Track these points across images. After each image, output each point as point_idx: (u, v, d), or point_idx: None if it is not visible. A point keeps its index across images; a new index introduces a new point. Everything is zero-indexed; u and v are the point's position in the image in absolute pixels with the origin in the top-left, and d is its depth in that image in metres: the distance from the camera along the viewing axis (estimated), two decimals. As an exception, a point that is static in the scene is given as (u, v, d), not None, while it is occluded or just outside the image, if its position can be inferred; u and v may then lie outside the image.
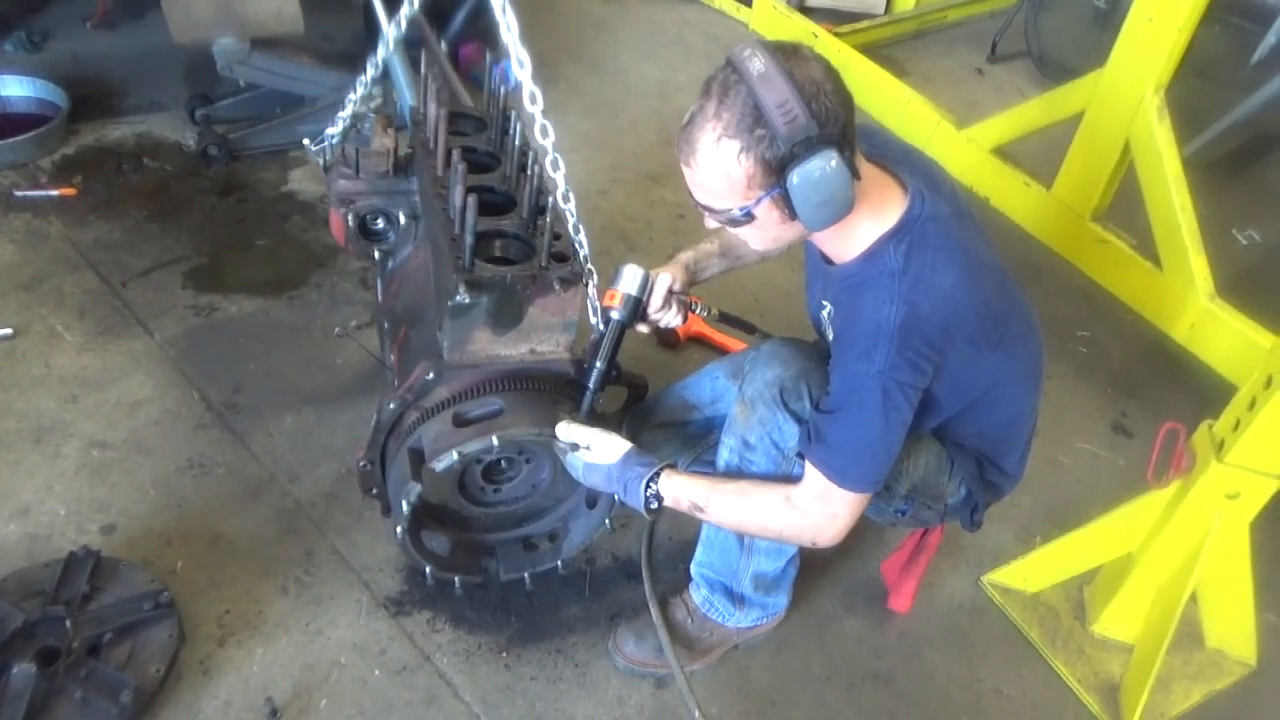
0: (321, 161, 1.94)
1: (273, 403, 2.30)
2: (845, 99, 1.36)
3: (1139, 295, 3.06)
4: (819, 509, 1.52)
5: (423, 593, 1.96)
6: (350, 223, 1.93)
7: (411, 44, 2.63)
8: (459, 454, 1.62)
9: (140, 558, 1.90)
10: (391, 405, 1.74)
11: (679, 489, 1.58)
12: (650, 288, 1.76)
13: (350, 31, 3.29)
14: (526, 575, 1.94)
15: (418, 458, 1.67)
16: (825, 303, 1.62)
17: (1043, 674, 2.06)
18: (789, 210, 1.39)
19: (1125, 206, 3.17)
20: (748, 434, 1.62)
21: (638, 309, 1.75)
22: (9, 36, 3.13)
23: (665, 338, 2.71)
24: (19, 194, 2.79)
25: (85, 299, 2.49)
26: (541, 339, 1.73)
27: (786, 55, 1.33)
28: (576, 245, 1.68)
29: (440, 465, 1.63)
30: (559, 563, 1.95)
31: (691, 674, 1.86)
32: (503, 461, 1.82)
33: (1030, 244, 3.37)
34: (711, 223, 1.52)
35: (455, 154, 1.66)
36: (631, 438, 1.87)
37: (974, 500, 1.79)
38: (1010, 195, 3.45)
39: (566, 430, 1.63)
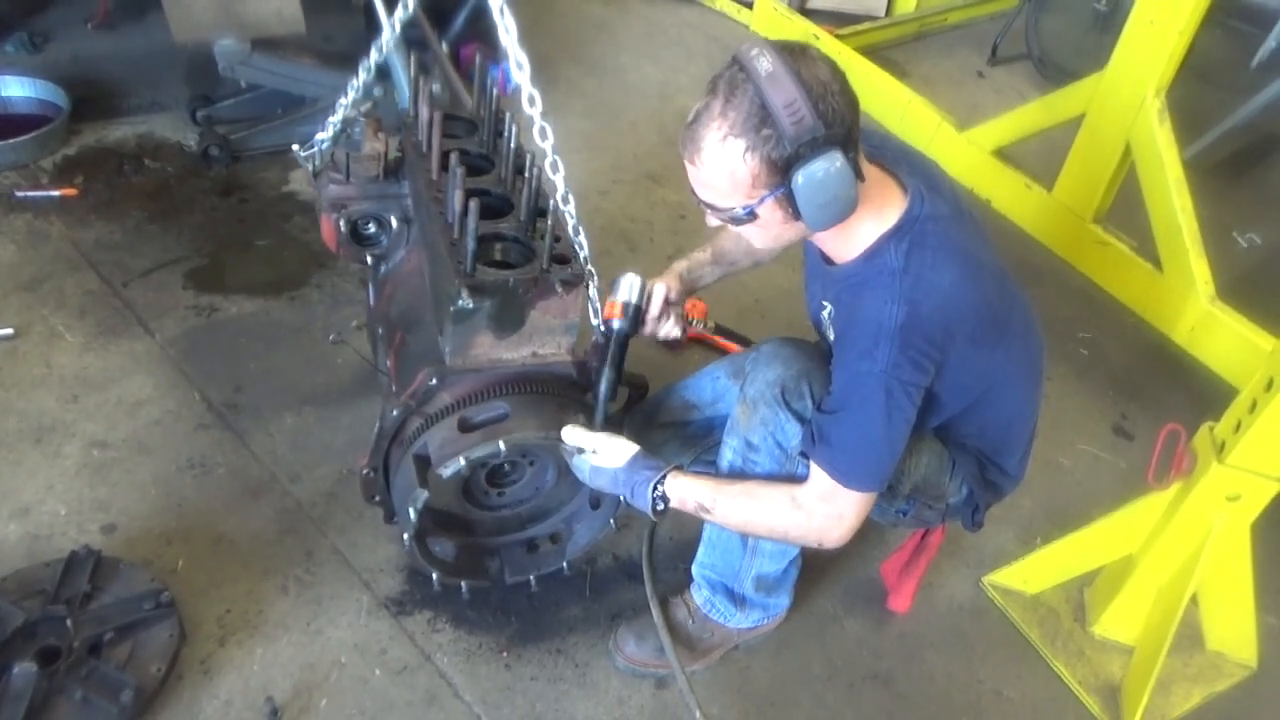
0: (311, 167, 1.92)
1: (273, 403, 2.30)
2: (851, 100, 1.37)
3: (1140, 297, 3.06)
4: (824, 509, 1.52)
5: (423, 592, 1.96)
6: (342, 228, 1.92)
7: (415, 45, 2.63)
8: (466, 459, 1.61)
9: (141, 557, 1.90)
10: (395, 412, 1.73)
11: (686, 490, 1.58)
12: (648, 294, 1.76)
13: (351, 32, 3.29)
14: (532, 578, 1.94)
15: (424, 464, 1.66)
16: (825, 303, 1.62)
17: (1043, 675, 2.06)
18: (792, 210, 1.39)
19: (1126, 209, 3.17)
20: (750, 434, 1.62)
21: (639, 316, 1.76)
22: (10, 37, 3.13)
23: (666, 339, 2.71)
24: (20, 194, 2.79)
25: (86, 299, 2.50)
26: (543, 342, 1.73)
27: (794, 55, 1.33)
28: (576, 247, 1.68)
29: (448, 471, 1.62)
30: (564, 564, 1.95)
31: (692, 674, 1.86)
32: (506, 465, 1.82)
33: (1031, 246, 3.37)
34: (713, 221, 1.52)
35: (453, 157, 1.66)
36: (633, 437, 1.87)
37: (975, 500, 1.79)
38: (1011, 197, 3.45)
39: (572, 434, 1.64)
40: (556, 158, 1.59)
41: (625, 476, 1.60)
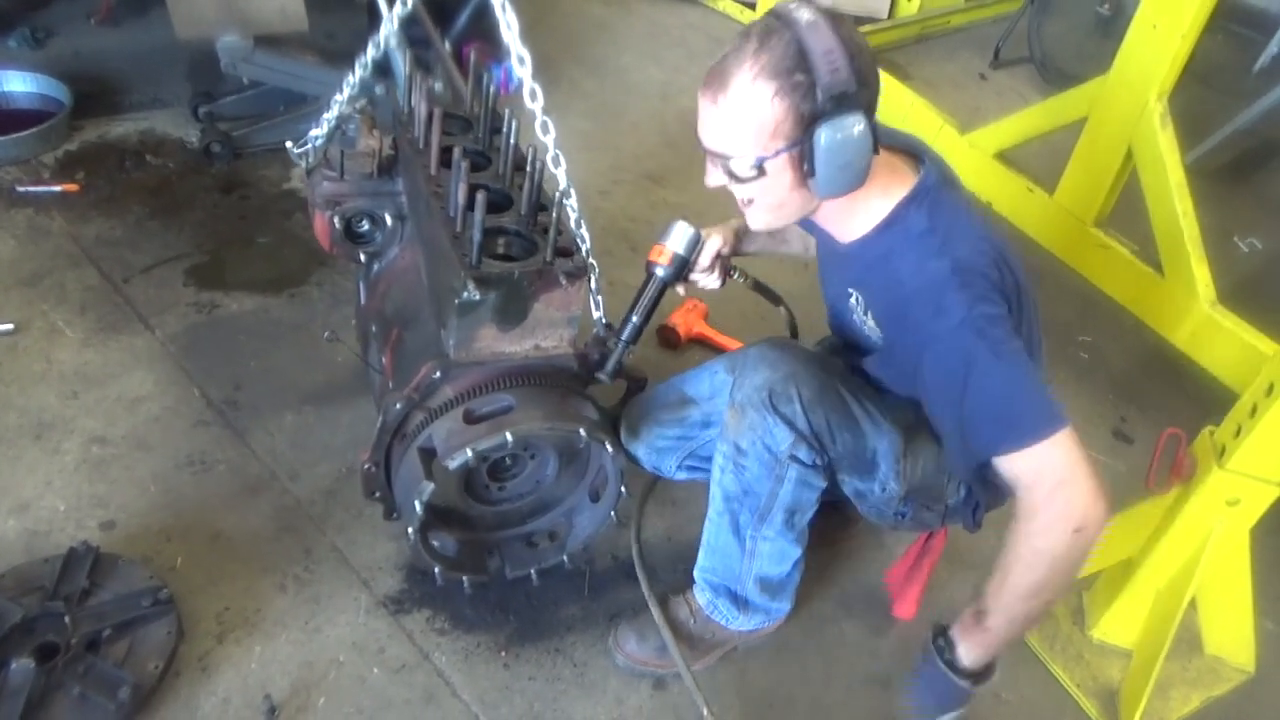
0: (304, 164, 1.92)
1: (273, 400, 2.30)
2: (877, 71, 1.37)
3: (1140, 301, 3.06)
4: (1064, 489, 1.34)
5: (422, 591, 1.96)
6: (336, 225, 1.92)
7: (417, 43, 2.63)
8: (473, 451, 1.62)
9: (140, 554, 1.90)
10: (397, 406, 1.73)
11: (981, 644, 1.55)
12: (700, 248, 1.75)
13: (354, 29, 3.29)
14: (533, 571, 1.94)
15: (429, 456, 1.67)
16: (850, 290, 1.59)
17: (1041, 679, 2.06)
18: (805, 170, 1.38)
19: (1127, 213, 3.17)
20: (739, 439, 1.61)
21: (683, 269, 1.75)
22: (13, 33, 3.13)
23: (666, 339, 2.71)
24: (21, 189, 2.79)
25: (86, 295, 2.49)
26: (546, 334, 1.73)
27: (831, 14, 1.34)
28: (579, 240, 1.68)
29: (454, 463, 1.62)
30: (564, 557, 1.95)
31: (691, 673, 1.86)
32: (508, 458, 1.82)
33: (1032, 249, 3.37)
34: (715, 177, 1.49)
35: (457, 152, 1.67)
36: (629, 430, 1.87)
37: (974, 499, 1.78)
38: (1013, 200, 3.45)
39: None
40: (559, 152, 1.59)
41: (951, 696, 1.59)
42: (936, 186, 1.48)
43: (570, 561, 1.97)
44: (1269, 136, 4.02)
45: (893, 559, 2.18)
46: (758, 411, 1.57)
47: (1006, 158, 3.51)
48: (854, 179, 1.39)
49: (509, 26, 1.51)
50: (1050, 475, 1.35)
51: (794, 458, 1.56)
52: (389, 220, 1.96)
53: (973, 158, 3.51)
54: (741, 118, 1.37)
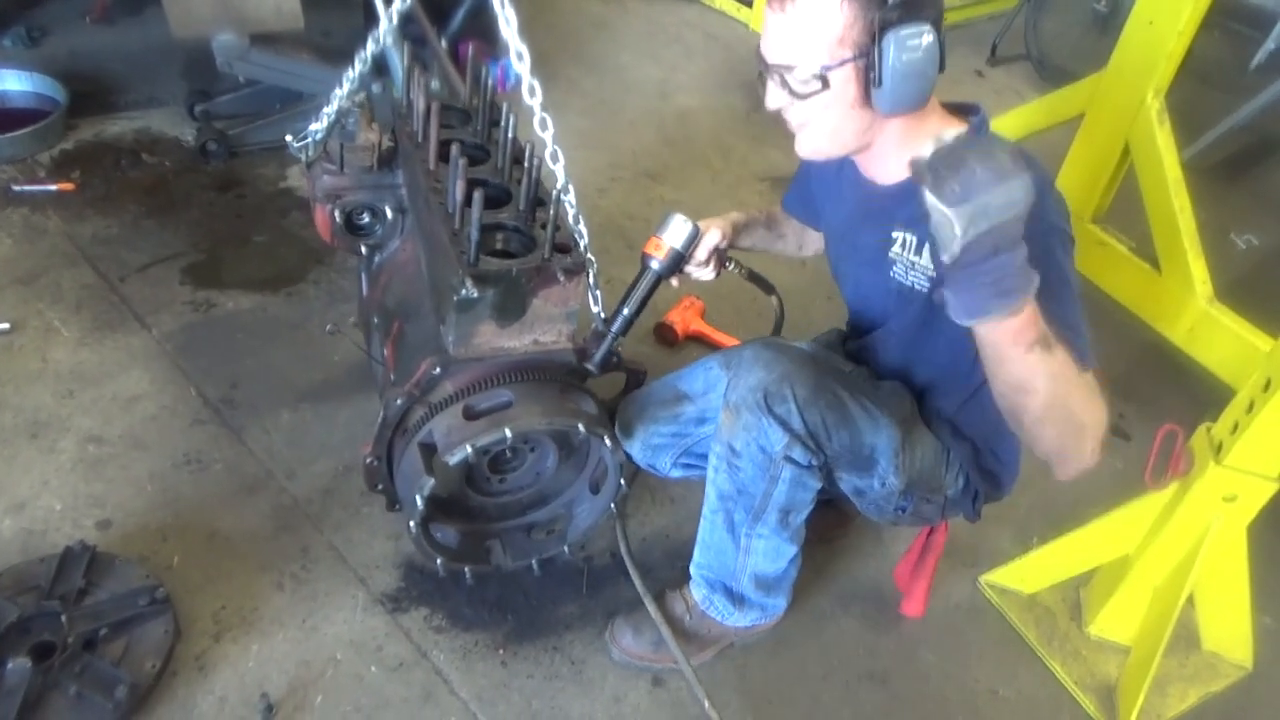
0: (304, 157, 1.93)
1: (270, 399, 2.29)
2: None
3: (1137, 298, 3.06)
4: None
5: (419, 589, 1.96)
6: (337, 218, 1.92)
7: (413, 41, 2.63)
8: (472, 446, 1.62)
9: (136, 553, 1.89)
10: (398, 401, 1.74)
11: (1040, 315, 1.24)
12: (697, 242, 1.75)
13: (350, 28, 3.29)
14: (534, 562, 1.94)
15: (430, 452, 1.67)
16: (895, 234, 1.56)
17: (1039, 675, 2.06)
18: (867, 86, 1.38)
19: (1124, 209, 3.17)
20: (734, 440, 1.60)
21: (678, 263, 1.75)
22: (8, 32, 3.13)
23: (664, 336, 2.71)
24: (17, 189, 2.79)
25: (82, 294, 2.49)
26: (544, 330, 1.74)
27: None
28: (577, 236, 1.69)
29: (454, 458, 1.63)
30: (565, 548, 1.96)
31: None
32: (508, 451, 1.82)
33: (1029, 246, 3.37)
34: (775, 97, 1.48)
35: (454, 148, 1.67)
36: (624, 428, 1.87)
37: (974, 489, 1.78)
38: (1009, 197, 3.44)
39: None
40: (557, 148, 1.59)
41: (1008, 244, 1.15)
42: (991, 132, 1.45)
43: (570, 553, 1.98)
44: (1266, 133, 4.03)
45: (891, 556, 2.19)
46: (752, 412, 1.56)
47: (1003, 155, 3.50)
48: (919, 94, 1.38)
49: (508, 22, 1.50)
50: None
51: (789, 458, 1.56)
52: (389, 213, 1.96)
53: (970, 155, 3.50)
54: (810, 23, 1.37)
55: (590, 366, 1.77)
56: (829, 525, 2.18)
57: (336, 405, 2.30)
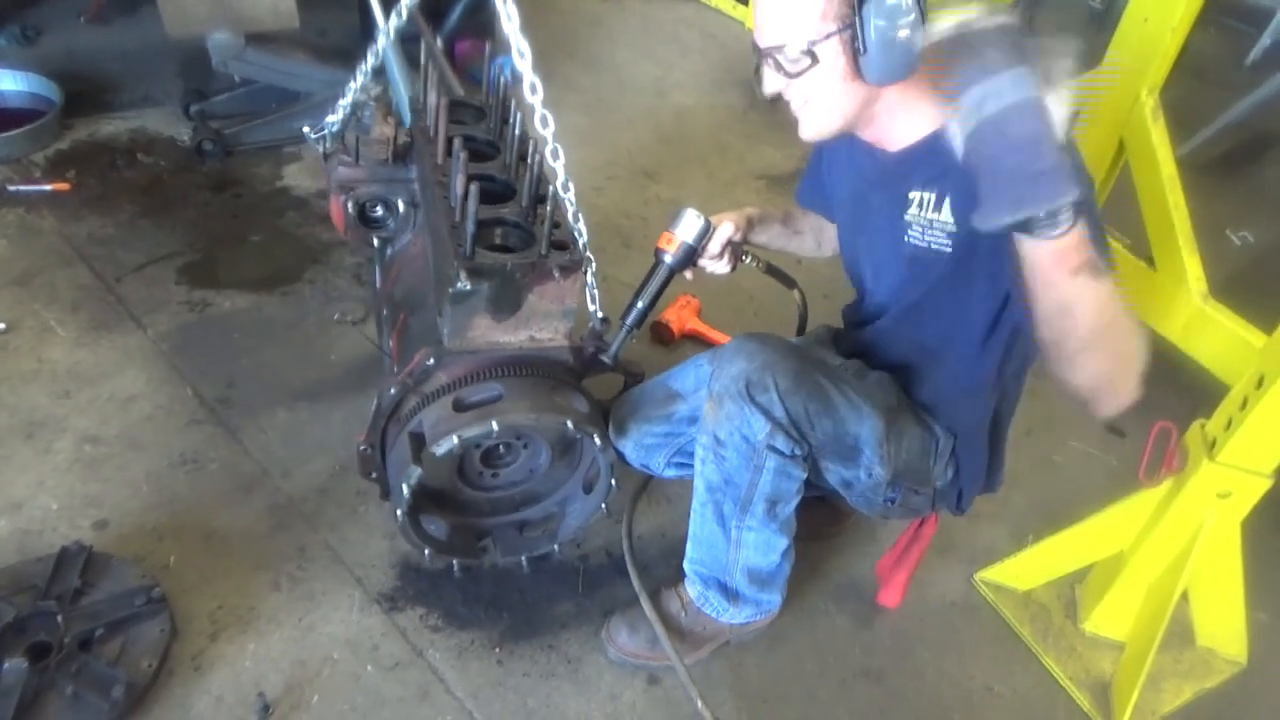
0: (322, 149, 1.95)
1: (266, 398, 2.29)
2: None
3: (1132, 295, 3.05)
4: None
5: (415, 588, 1.96)
6: (350, 210, 1.94)
7: (407, 39, 2.63)
8: (459, 438, 1.63)
9: (132, 553, 1.89)
10: (392, 390, 1.75)
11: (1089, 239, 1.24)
12: (709, 236, 1.76)
13: (345, 27, 3.30)
14: (524, 559, 1.94)
15: (418, 442, 1.68)
16: (913, 196, 1.55)
17: (1034, 671, 2.06)
18: (855, 56, 1.40)
19: (1119, 206, 3.17)
20: (718, 430, 1.61)
21: (691, 257, 1.75)
22: (3, 31, 3.13)
23: (660, 335, 2.71)
24: (12, 189, 2.79)
25: (78, 294, 2.49)
26: (540, 326, 1.74)
27: None
28: (576, 234, 1.69)
29: (440, 449, 1.64)
30: (555, 547, 1.96)
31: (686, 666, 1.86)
32: (501, 446, 1.83)
33: (1025, 243, 3.38)
34: (770, 81, 1.51)
35: (457, 142, 1.67)
36: (617, 427, 1.87)
37: (960, 482, 1.78)
38: (1005, 194, 3.45)
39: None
40: (557, 145, 1.60)
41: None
42: None
43: (561, 551, 1.98)
44: (1262, 129, 4.04)
45: (885, 551, 2.19)
46: (734, 402, 1.57)
47: (999, 152, 3.50)
48: (906, 60, 1.39)
49: (509, 18, 1.51)
50: None
51: (771, 447, 1.56)
52: (401, 206, 1.98)
53: (966, 152, 3.51)
54: (791, 2, 1.40)
55: (605, 358, 1.78)
56: (823, 522, 2.18)
57: (333, 404, 2.31)
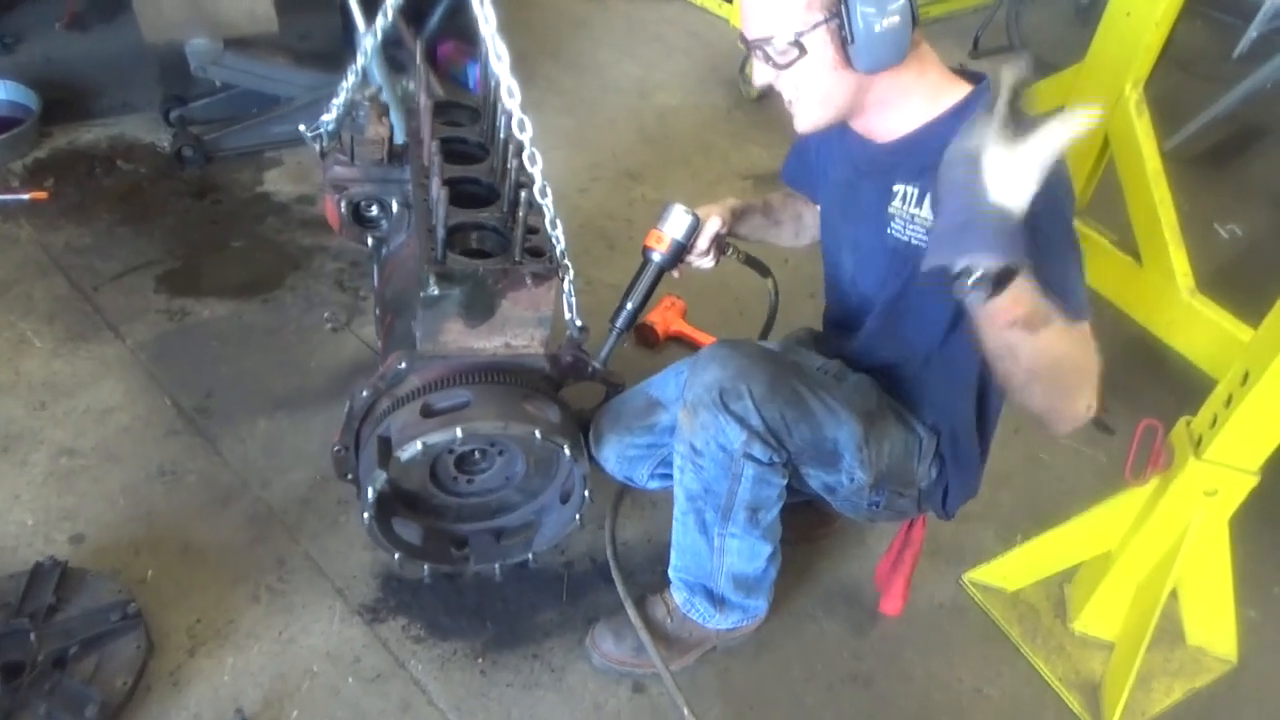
0: (318, 147, 1.94)
1: (245, 407, 2.27)
2: None
3: (1119, 290, 3.05)
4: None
5: (398, 599, 1.94)
6: (343, 209, 1.93)
7: (389, 42, 2.61)
8: (423, 444, 1.61)
9: (109, 567, 1.87)
10: (364, 392, 1.74)
11: (1029, 293, 1.22)
12: (698, 232, 1.74)
13: (328, 30, 3.26)
14: (497, 567, 1.92)
15: (385, 446, 1.66)
16: (896, 188, 1.55)
17: (1023, 672, 2.05)
18: (843, 45, 1.39)
19: (1105, 202, 3.16)
20: (694, 439, 1.59)
21: (680, 254, 1.74)
22: (-21, 38, 3.10)
23: (644, 337, 2.69)
24: (-11, 198, 2.76)
25: (55, 304, 2.46)
26: (516, 333, 1.72)
27: None
28: (553, 240, 1.67)
29: (405, 455, 1.62)
30: (530, 555, 1.93)
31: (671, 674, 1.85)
32: (476, 452, 1.80)
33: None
34: (761, 73, 1.50)
35: (434, 145, 1.65)
36: (598, 440, 1.85)
37: (945, 481, 1.76)
38: (991, 191, 3.43)
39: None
40: (534, 150, 1.57)
41: (995, 231, 1.16)
42: None
43: (544, 558, 1.95)
44: (1249, 122, 4.03)
45: (873, 556, 2.17)
46: (709, 411, 1.55)
47: (985, 148, 3.49)
48: (895, 48, 1.39)
49: (487, 20, 1.49)
50: None
51: (749, 455, 1.54)
52: (395, 206, 1.96)
53: (952, 149, 3.49)
54: None
55: (595, 364, 1.77)
56: (810, 525, 2.16)
57: (313, 413, 2.28)
